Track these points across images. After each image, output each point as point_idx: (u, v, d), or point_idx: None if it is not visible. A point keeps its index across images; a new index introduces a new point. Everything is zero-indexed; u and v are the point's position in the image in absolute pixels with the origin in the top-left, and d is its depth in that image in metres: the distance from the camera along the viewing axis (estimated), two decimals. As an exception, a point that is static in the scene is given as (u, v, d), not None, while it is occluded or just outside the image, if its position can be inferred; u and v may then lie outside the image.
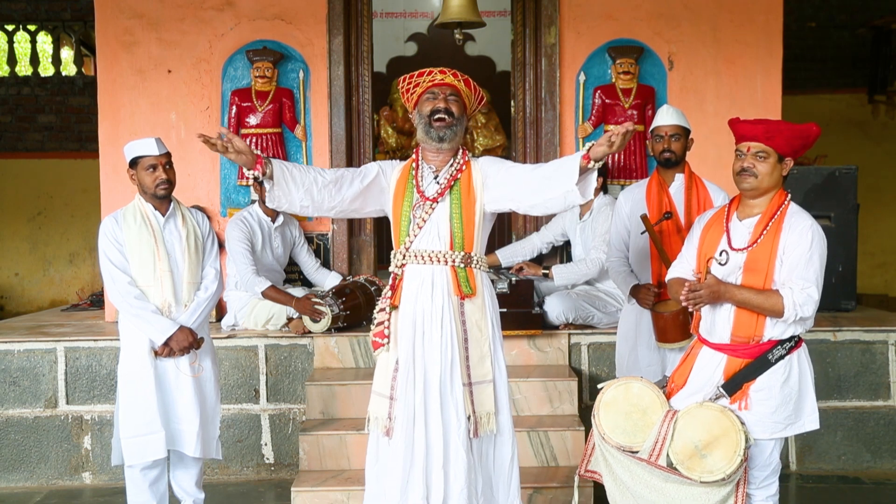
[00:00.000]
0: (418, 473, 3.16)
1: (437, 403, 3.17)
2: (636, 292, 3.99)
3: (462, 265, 3.21)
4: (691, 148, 4.04)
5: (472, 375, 3.22)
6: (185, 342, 3.65)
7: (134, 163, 3.68)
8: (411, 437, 3.17)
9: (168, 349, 3.65)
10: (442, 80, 3.23)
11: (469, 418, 3.19)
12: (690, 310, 3.07)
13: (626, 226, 4.11)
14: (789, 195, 3.06)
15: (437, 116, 3.20)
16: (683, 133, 3.99)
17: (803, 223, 2.96)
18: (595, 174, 3.02)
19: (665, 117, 4.01)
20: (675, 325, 3.81)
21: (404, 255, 3.24)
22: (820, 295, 2.93)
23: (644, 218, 3.90)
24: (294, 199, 3.13)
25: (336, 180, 3.21)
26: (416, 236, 3.22)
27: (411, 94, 3.30)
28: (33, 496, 4.74)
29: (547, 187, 3.07)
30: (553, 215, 5.50)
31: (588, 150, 2.95)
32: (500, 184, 3.22)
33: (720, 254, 2.99)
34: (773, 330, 2.96)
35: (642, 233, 3.95)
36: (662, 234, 3.91)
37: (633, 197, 4.10)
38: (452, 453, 3.17)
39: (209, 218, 4.02)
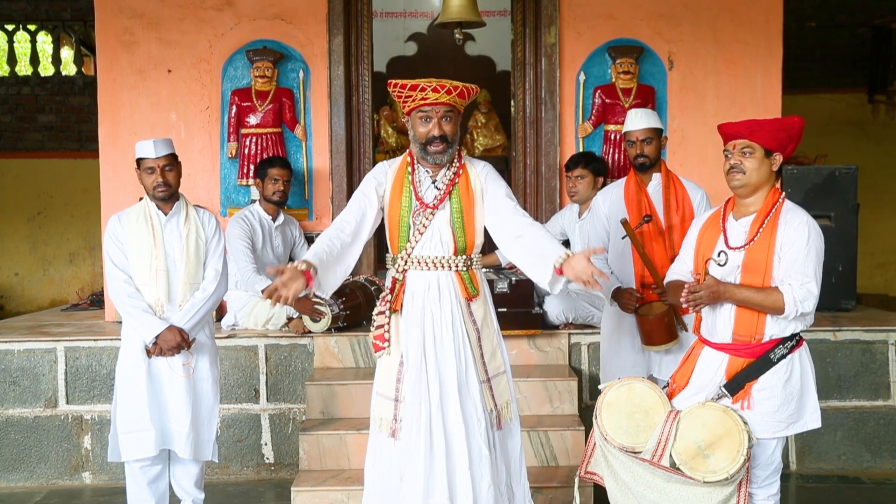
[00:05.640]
0: (440, 476, 3.13)
1: (457, 405, 3.16)
2: (618, 297, 3.96)
3: (465, 268, 3.25)
4: (665, 146, 4.00)
5: (488, 370, 3.28)
6: (173, 342, 3.64)
7: (138, 163, 3.73)
8: (428, 440, 3.14)
9: (158, 348, 3.65)
10: (436, 99, 3.11)
11: (491, 412, 3.24)
12: (691, 312, 3.07)
13: (604, 226, 4.09)
14: (783, 193, 3.06)
15: (432, 143, 3.16)
16: (655, 135, 3.95)
17: (799, 219, 2.96)
18: (564, 282, 3.04)
19: (634, 122, 3.96)
20: (660, 328, 3.81)
21: (406, 261, 3.24)
22: (819, 290, 2.93)
23: (624, 223, 3.85)
24: (336, 281, 3.14)
25: (353, 234, 3.18)
26: (417, 242, 3.22)
27: (402, 103, 3.22)
28: (33, 496, 4.74)
29: (523, 261, 3.16)
30: (552, 216, 5.51)
31: (562, 265, 2.95)
32: (491, 209, 3.24)
33: (718, 254, 2.99)
34: (774, 328, 2.96)
35: (623, 237, 3.92)
36: (643, 237, 3.88)
37: (611, 197, 4.08)
38: (475, 452, 3.17)
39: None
